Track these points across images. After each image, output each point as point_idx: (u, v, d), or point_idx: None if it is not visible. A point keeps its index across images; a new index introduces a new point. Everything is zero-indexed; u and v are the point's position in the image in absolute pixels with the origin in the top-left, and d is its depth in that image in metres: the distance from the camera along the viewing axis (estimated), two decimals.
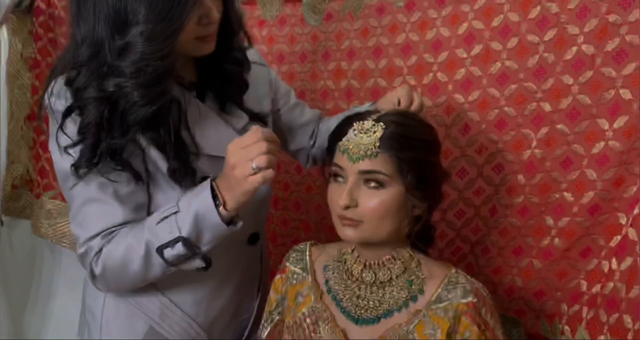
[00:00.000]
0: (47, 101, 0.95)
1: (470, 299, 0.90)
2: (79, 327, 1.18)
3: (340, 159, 0.92)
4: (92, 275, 0.97)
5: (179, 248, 0.92)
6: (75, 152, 0.92)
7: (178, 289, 1.06)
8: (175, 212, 0.92)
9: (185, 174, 0.96)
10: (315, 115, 1.27)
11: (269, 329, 1.06)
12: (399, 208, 0.91)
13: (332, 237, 1.07)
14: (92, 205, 0.95)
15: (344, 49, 1.38)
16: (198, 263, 0.95)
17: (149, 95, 0.88)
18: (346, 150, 0.91)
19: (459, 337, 0.90)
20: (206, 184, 0.93)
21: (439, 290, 0.93)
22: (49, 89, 0.95)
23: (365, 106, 1.14)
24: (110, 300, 1.08)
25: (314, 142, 1.26)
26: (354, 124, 0.92)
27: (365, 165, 0.89)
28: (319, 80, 1.43)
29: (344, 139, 0.92)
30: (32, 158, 2.03)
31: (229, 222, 0.93)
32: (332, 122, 1.18)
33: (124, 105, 0.89)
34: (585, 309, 1.08)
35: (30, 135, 2.00)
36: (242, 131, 1.06)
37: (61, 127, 0.92)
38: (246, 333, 1.18)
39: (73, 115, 0.91)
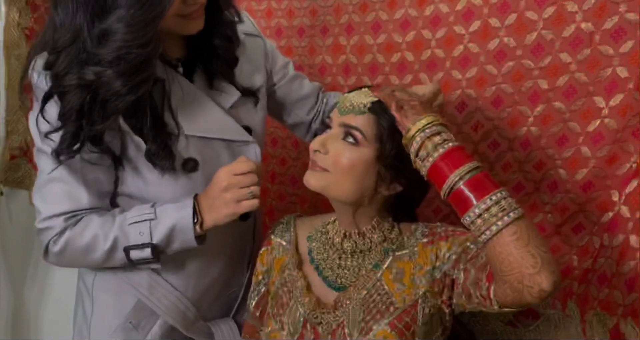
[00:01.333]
0: (31, 78, 0.93)
1: (427, 235, 0.94)
2: (76, 297, 1.18)
3: (333, 112, 0.95)
4: (46, 251, 0.98)
5: (147, 252, 0.95)
6: (55, 137, 0.91)
7: (167, 263, 1.04)
8: (152, 219, 0.95)
9: (164, 157, 0.95)
10: (314, 88, 1.24)
11: (256, 300, 1.07)
12: (364, 172, 0.91)
13: (327, 211, 1.07)
14: (58, 184, 0.96)
15: (342, 24, 1.36)
16: (154, 266, 1.00)
17: (130, 84, 0.85)
18: (339, 104, 0.94)
19: (427, 266, 0.91)
20: (189, 202, 0.96)
21: (403, 239, 0.96)
22: (31, 66, 0.92)
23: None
24: (100, 274, 1.08)
25: (317, 115, 1.24)
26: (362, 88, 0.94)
27: (349, 119, 0.91)
28: (317, 55, 1.41)
29: (344, 95, 0.95)
30: (29, 128, 2.00)
31: (199, 238, 0.97)
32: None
33: (104, 94, 0.86)
34: (575, 284, 1.08)
35: (28, 105, 1.98)
36: (233, 108, 1.05)
37: (41, 111, 0.91)
38: (235, 307, 1.19)
39: (53, 99, 0.90)
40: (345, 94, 0.94)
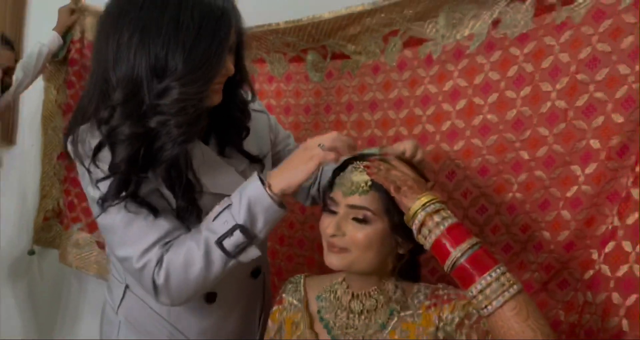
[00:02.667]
0: (70, 148, 0.93)
1: (429, 297, 0.91)
2: None
3: (335, 192, 0.91)
4: (154, 288, 0.90)
5: (237, 235, 0.87)
6: (103, 186, 0.89)
7: (185, 320, 1.02)
8: (228, 206, 0.89)
9: (192, 212, 0.93)
10: None
11: None
12: (382, 243, 0.88)
13: (316, 267, 1.05)
14: (136, 223, 0.90)
15: (343, 103, 1.38)
16: (254, 251, 0.90)
17: (186, 134, 0.87)
18: (341, 184, 0.90)
19: (431, 327, 0.88)
20: (253, 176, 0.90)
21: (407, 301, 0.92)
22: (72, 137, 0.92)
23: (373, 150, 1.12)
24: (124, 330, 1.05)
25: (314, 181, 1.22)
26: (354, 162, 0.91)
27: (354, 200, 0.88)
28: (321, 130, 1.42)
29: (341, 174, 0.91)
30: (63, 192, 2.00)
31: (280, 205, 0.89)
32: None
33: (162, 142, 0.86)
34: (564, 337, 1.04)
35: (62, 172, 2.00)
36: (242, 173, 1.04)
37: (93, 161, 0.89)
38: None
39: (104, 151, 0.89)
40: (344, 174, 0.91)
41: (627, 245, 0.92)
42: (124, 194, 0.87)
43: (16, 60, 1.86)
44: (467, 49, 1.15)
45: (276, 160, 1.18)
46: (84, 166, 0.90)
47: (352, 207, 0.88)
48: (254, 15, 1.37)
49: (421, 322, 0.89)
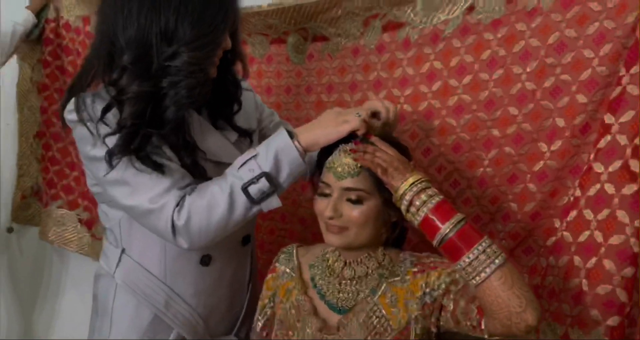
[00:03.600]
0: (70, 115, 0.92)
1: (415, 263, 0.93)
2: (91, 320, 1.12)
3: (326, 176, 0.91)
4: (173, 229, 0.89)
5: (263, 182, 0.87)
6: (110, 141, 0.89)
7: (181, 281, 1.03)
8: (255, 155, 0.89)
9: (196, 170, 0.94)
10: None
11: (262, 321, 1.04)
12: (376, 217, 0.90)
13: (315, 243, 1.05)
14: (146, 173, 0.89)
15: (324, 84, 1.37)
16: (276, 201, 0.90)
17: (194, 96, 0.89)
18: (332, 168, 0.90)
19: (418, 292, 0.89)
20: (281, 129, 0.91)
21: (394, 268, 0.94)
22: (71, 105, 0.92)
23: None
24: (120, 293, 1.04)
25: None
26: (340, 145, 0.91)
27: (348, 182, 0.89)
28: (302, 110, 1.41)
29: (330, 159, 0.91)
30: (40, 171, 1.93)
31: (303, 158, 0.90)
32: None
33: (169, 101, 0.88)
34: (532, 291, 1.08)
35: (39, 151, 1.92)
36: (235, 143, 1.05)
37: (102, 119, 0.89)
38: (238, 324, 1.15)
39: (113, 110, 0.89)
40: (334, 158, 0.91)
41: (588, 214, 0.96)
42: (131, 147, 0.88)
43: None
44: (443, 33, 1.16)
45: (262, 137, 1.17)
46: (88, 129, 0.90)
47: (346, 189, 0.89)
48: None
49: (409, 287, 0.91)
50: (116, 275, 1.04)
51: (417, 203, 0.82)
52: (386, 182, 0.86)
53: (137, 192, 0.90)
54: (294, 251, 1.05)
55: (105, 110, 0.89)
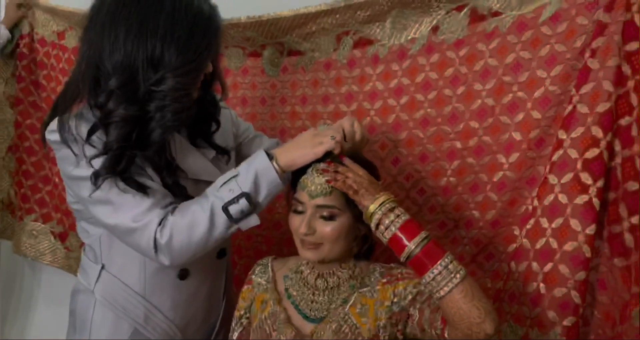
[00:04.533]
0: (51, 136, 0.93)
1: (384, 275, 0.97)
2: (67, 335, 1.13)
3: (300, 194, 0.94)
4: (155, 247, 0.91)
5: (243, 203, 0.90)
6: (96, 163, 0.90)
7: (160, 295, 1.04)
8: (235, 176, 0.92)
9: (177, 190, 0.96)
10: (273, 143, 1.27)
11: (239, 331, 1.06)
12: (348, 232, 0.95)
13: (290, 248, 1.08)
14: (129, 193, 0.91)
15: (297, 96, 1.40)
16: (255, 220, 0.94)
17: (179, 120, 0.91)
18: (305, 187, 0.93)
19: (386, 302, 0.94)
20: (260, 151, 0.94)
21: (365, 278, 0.98)
22: (54, 125, 0.93)
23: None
24: (99, 308, 1.05)
25: None
26: (313, 165, 0.94)
27: (320, 200, 0.92)
28: (277, 121, 1.44)
29: (303, 178, 0.95)
30: (13, 185, 1.90)
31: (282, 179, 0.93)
32: None
33: (155, 125, 0.90)
34: (490, 302, 1.14)
35: (12, 165, 1.89)
36: (213, 160, 1.07)
37: (88, 141, 0.91)
38: (214, 333, 1.17)
39: (97, 133, 0.91)
40: (307, 177, 0.94)
41: (544, 222, 1.02)
42: (117, 169, 0.89)
43: None
44: (409, 50, 1.22)
45: (238, 151, 1.21)
46: (72, 150, 0.91)
47: (319, 206, 0.93)
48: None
49: (379, 297, 0.95)
50: (95, 291, 1.05)
51: (386, 222, 0.87)
52: (357, 202, 0.91)
53: (119, 211, 0.92)
54: (269, 264, 1.07)
55: (91, 132, 0.91)
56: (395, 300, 0.94)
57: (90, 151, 0.91)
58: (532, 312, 1.02)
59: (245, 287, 1.07)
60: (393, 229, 0.86)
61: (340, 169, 0.92)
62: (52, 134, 0.93)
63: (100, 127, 0.90)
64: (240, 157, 1.21)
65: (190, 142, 1.05)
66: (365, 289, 0.97)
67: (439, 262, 0.83)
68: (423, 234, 0.86)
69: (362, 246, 0.99)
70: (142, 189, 0.91)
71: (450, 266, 0.83)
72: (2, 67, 1.83)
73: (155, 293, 1.04)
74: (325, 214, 0.92)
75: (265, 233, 1.47)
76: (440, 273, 0.82)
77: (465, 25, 1.14)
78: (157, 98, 0.89)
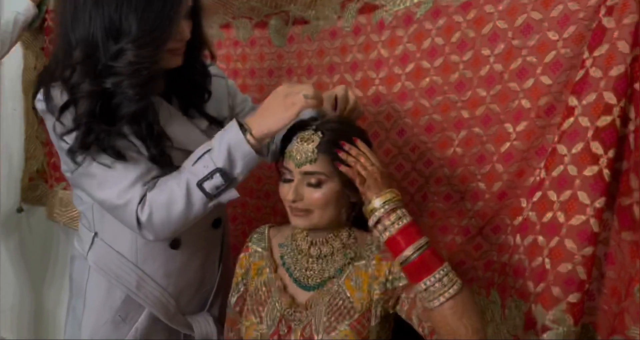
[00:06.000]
0: (39, 105, 0.92)
1: (382, 249, 0.93)
2: (68, 299, 1.16)
3: (287, 163, 0.93)
4: (138, 224, 0.91)
5: (217, 178, 0.88)
6: (70, 139, 0.89)
7: (152, 263, 1.05)
8: (209, 150, 0.89)
9: (163, 160, 0.95)
10: None
11: (236, 297, 1.07)
12: (337, 198, 0.92)
13: (280, 216, 1.09)
14: (112, 167, 0.90)
15: (303, 66, 1.37)
16: (233, 193, 0.91)
17: (142, 93, 0.87)
18: (291, 156, 0.92)
19: (381, 278, 0.92)
20: (233, 122, 0.90)
21: (360, 250, 0.96)
22: (41, 94, 0.91)
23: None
24: (93, 274, 1.06)
25: (271, 139, 1.21)
26: (298, 132, 0.92)
27: (307, 167, 0.90)
28: None
29: (289, 146, 0.93)
30: (46, 155, 1.99)
31: (257, 151, 0.89)
32: None
33: (119, 100, 0.87)
34: (496, 275, 1.10)
35: (44, 136, 1.97)
36: (205, 131, 1.05)
37: (59, 118, 0.89)
38: (209, 301, 1.18)
39: (70, 108, 0.88)
40: (292, 145, 0.92)
41: (552, 195, 0.96)
42: (88, 144, 0.87)
43: None
44: (415, 15, 1.15)
45: None
46: (56, 119, 0.90)
47: (306, 173, 0.91)
48: None
49: (374, 271, 0.93)
50: (89, 258, 1.06)
51: (387, 223, 0.84)
52: (361, 191, 0.87)
53: (104, 185, 0.91)
54: (266, 231, 1.07)
55: (63, 108, 0.88)
56: (390, 278, 0.91)
57: (60, 128, 0.89)
58: (536, 287, 0.97)
59: (242, 254, 1.07)
60: (392, 230, 0.84)
61: (352, 151, 0.89)
62: (39, 103, 0.93)
63: (71, 103, 0.88)
64: None
65: (182, 112, 1.03)
66: (360, 263, 0.95)
67: (433, 274, 0.81)
68: (422, 241, 0.83)
69: (351, 213, 0.97)
70: (122, 158, 0.90)
71: (444, 279, 0.80)
72: (32, 42, 1.90)
73: (147, 261, 1.04)
74: (312, 181, 0.90)
75: (272, 204, 1.48)
76: (433, 285, 0.80)
77: None
78: (113, 73, 0.85)
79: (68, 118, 0.89)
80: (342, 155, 0.88)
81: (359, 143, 0.91)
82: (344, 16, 1.27)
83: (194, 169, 0.89)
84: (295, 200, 0.91)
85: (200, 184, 0.88)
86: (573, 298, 0.92)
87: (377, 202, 0.85)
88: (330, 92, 1.04)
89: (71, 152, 0.89)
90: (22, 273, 2.17)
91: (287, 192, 0.92)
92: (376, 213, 0.85)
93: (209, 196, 0.90)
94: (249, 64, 1.47)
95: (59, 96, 0.90)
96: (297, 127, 0.94)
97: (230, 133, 0.89)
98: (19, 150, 2.05)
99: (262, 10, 1.36)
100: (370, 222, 0.86)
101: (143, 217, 0.90)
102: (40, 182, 2.03)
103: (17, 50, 1.87)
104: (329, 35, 1.31)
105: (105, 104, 0.87)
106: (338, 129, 0.92)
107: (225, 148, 0.87)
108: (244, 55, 1.47)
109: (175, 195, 0.89)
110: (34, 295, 2.18)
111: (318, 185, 0.90)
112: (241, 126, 0.89)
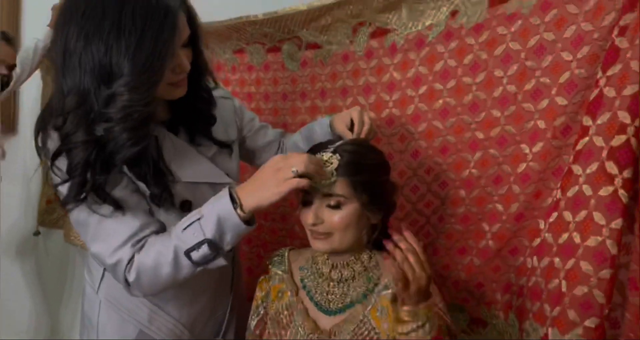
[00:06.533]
0: (40, 147, 0.88)
1: None
2: (80, 331, 1.13)
3: None
4: (127, 283, 0.90)
5: (205, 249, 0.85)
6: (63, 189, 0.85)
7: (163, 295, 1.01)
8: (199, 218, 0.86)
9: (166, 198, 0.91)
10: (277, 134, 1.24)
11: (256, 321, 1.06)
12: (357, 220, 0.92)
13: (295, 239, 1.11)
14: (108, 220, 0.87)
15: (317, 90, 1.38)
16: (221, 261, 0.88)
17: (135, 137, 0.83)
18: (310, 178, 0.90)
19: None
20: (225, 191, 0.87)
21: (386, 280, 0.94)
22: (39, 139, 0.87)
23: (325, 119, 1.13)
24: (104, 309, 1.03)
25: (277, 151, 1.24)
26: (316, 155, 0.92)
27: (326, 190, 0.90)
28: (297, 115, 1.43)
29: None
30: None
31: (248, 222, 0.86)
32: (295, 138, 1.20)
33: (112, 147, 0.83)
34: (514, 298, 1.08)
35: None
36: (212, 159, 1.04)
37: (51, 168, 0.86)
38: (223, 327, 1.15)
39: (61, 157, 0.85)
40: None
41: (567, 216, 0.95)
42: (83, 196, 0.84)
43: None
44: (427, 38, 1.16)
45: (242, 143, 1.19)
46: (49, 167, 0.87)
47: (325, 195, 0.91)
48: (234, 8, 1.38)
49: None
50: (100, 292, 1.04)
51: (412, 335, 0.81)
52: (397, 293, 0.84)
53: (97, 238, 0.89)
54: (286, 254, 1.07)
55: (54, 157, 0.85)
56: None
57: (55, 179, 0.86)
58: (553, 311, 0.95)
59: (262, 277, 1.07)
60: None
61: (402, 244, 0.82)
62: (36, 146, 0.89)
63: (63, 152, 0.84)
64: (245, 150, 1.19)
65: (189, 139, 1.02)
66: (387, 292, 0.93)
67: None
68: None
69: (372, 235, 0.96)
70: (120, 208, 0.87)
71: None
72: (51, 67, 1.92)
73: (159, 294, 0.98)
74: (332, 202, 0.90)
75: (289, 227, 1.48)
76: None
77: (485, 8, 1.08)
78: (105, 120, 0.81)
79: (62, 167, 0.85)
80: (389, 247, 0.83)
81: (409, 235, 0.84)
82: (356, 40, 1.28)
83: (183, 236, 0.86)
84: (316, 224, 0.91)
85: (187, 253, 0.86)
86: (590, 323, 0.89)
87: (411, 318, 0.82)
88: (345, 114, 1.04)
89: (63, 204, 0.86)
90: (38, 296, 2.17)
91: (307, 216, 0.92)
92: (406, 326, 0.82)
93: (196, 264, 0.88)
94: (262, 88, 1.48)
95: (55, 141, 0.86)
96: (315, 150, 0.94)
97: (221, 204, 0.86)
98: (36, 174, 2.07)
99: (274, 35, 1.38)
100: (397, 327, 0.83)
101: (131, 278, 0.88)
102: (57, 205, 2.05)
103: (37, 75, 1.91)
104: (342, 59, 1.32)
105: (100, 151, 0.83)
106: (356, 151, 0.93)
107: (215, 219, 0.85)
108: (258, 80, 1.49)
109: (163, 260, 0.87)
110: (50, 318, 2.18)
111: (337, 207, 0.90)
112: (232, 197, 0.86)
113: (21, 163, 2.15)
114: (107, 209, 0.87)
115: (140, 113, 0.82)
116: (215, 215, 0.85)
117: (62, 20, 0.83)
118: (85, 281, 1.10)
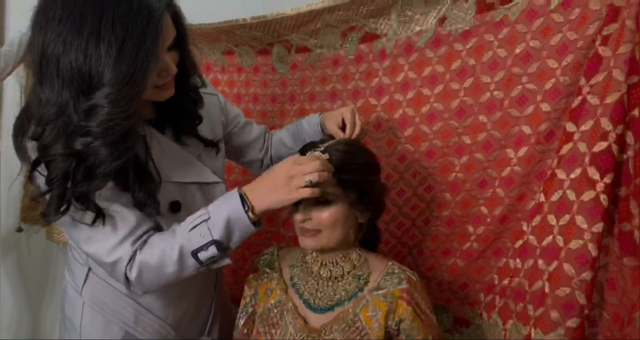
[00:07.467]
0: (19, 151, 0.82)
1: (403, 285, 0.92)
2: (60, 332, 1.09)
3: None
4: (127, 281, 0.87)
5: (212, 250, 0.84)
6: (43, 201, 0.81)
7: (149, 296, 0.99)
8: (207, 219, 0.84)
9: (150, 204, 0.88)
10: (261, 130, 1.23)
11: (244, 319, 1.05)
12: (345, 219, 0.92)
13: (281, 242, 1.11)
14: (99, 223, 0.84)
15: (306, 93, 1.38)
16: (226, 261, 0.88)
17: (117, 152, 0.78)
18: None
19: (396, 317, 0.90)
20: (234, 192, 0.85)
21: (379, 280, 0.94)
22: (19, 147, 0.82)
23: (315, 117, 1.12)
24: (88, 311, 1.00)
25: (266, 152, 1.23)
26: (306, 153, 0.92)
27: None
28: (286, 118, 1.42)
29: None
30: None
31: (254, 223, 0.86)
32: (282, 134, 1.19)
33: (93, 161, 0.77)
34: (497, 298, 1.09)
35: None
36: (198, 157, 1.01)
37: (30, 178, 0.81)
38: (208, 326, 1.13)
39: (39, 168, 0.80)
40: None
41: (551, 219, 0.96)
42: (64, 208, 0.80)
43: None
44: (416, 43, 1.17)
45: (228, 140, 1.16)
46: (28, 177, 0.83)
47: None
48: (223, 11, 1.36)
49: (392, 307, 0.91)
50: (83, 294, 1.00)
51: None
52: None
53: (92, 240, 0.86)
54: (276, 252, 1.06)
55: (33, 168, 0.80)
56: (405, 320, 0.91)
57: (34, 191, 0.81)
58: (536, 311, 0.96)
59: (251, 275, 1.06)
60: None
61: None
62: (18, 149, 0.83)
63: (41, 163, 0.79)
64: (232, 146, 1.18)
65: (175, 138, 0.99)
66: (379, 292, 0.93)
67: None
68: None
69: (358, 233, 0.96)
70: (103, 216, 0.83)
71: None
72: None
73: (144, 294, 0.95)
74: (320, 200, 0.90)
75: (274, 229, 1.47)
76: None
77: (472, 15, 1.08)
78: (84, 134, 0.76)
79: (41, 178, 0.80)
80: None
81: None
82: (346, 44, 1.28)
83: (189, 236, 0.84)
84: (305, 220, 0.91)
85: (194, 254, 0.85)
86: (572, 323, 0.90)
87: None
88: (337, 113, 1.04)
89: (44, 216, 0.80)
90: (20, 293, 2.12)
91: (296, 214, 0.92)
92: None
93: (202, 264, 0.87)
94: (252, 90, 1.47)
95: (34, 151, 0.81)
96: (306, 148, 0.94)
97: (231, 205, 0.84)
98: (19, 170, 2.02)
99: (264, 38, 1.37)
100: None
101: (132, 276, 0.86)
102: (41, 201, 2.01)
103: (20, 70, 1.86)
104: (332, 63, 1.31)
105: (81, 162, 0.78)
106: (347, 151, 0.92)
107: (225, 220, 0.83)
108: (248, 81, 1.47)
109: (167, 259, 0.85)
110: (32, 315, 2.12)
111: (326, 203, 0.90)
112: (242, 198, 0.85)
113: (3, 160, 2.10)
114: (90, 216, 0.83)
115: (122, 127, 0.76)
116: (224, 217, 0.84)
117: (39, 23, 0.76)
118: (67, 282, 1.06)
